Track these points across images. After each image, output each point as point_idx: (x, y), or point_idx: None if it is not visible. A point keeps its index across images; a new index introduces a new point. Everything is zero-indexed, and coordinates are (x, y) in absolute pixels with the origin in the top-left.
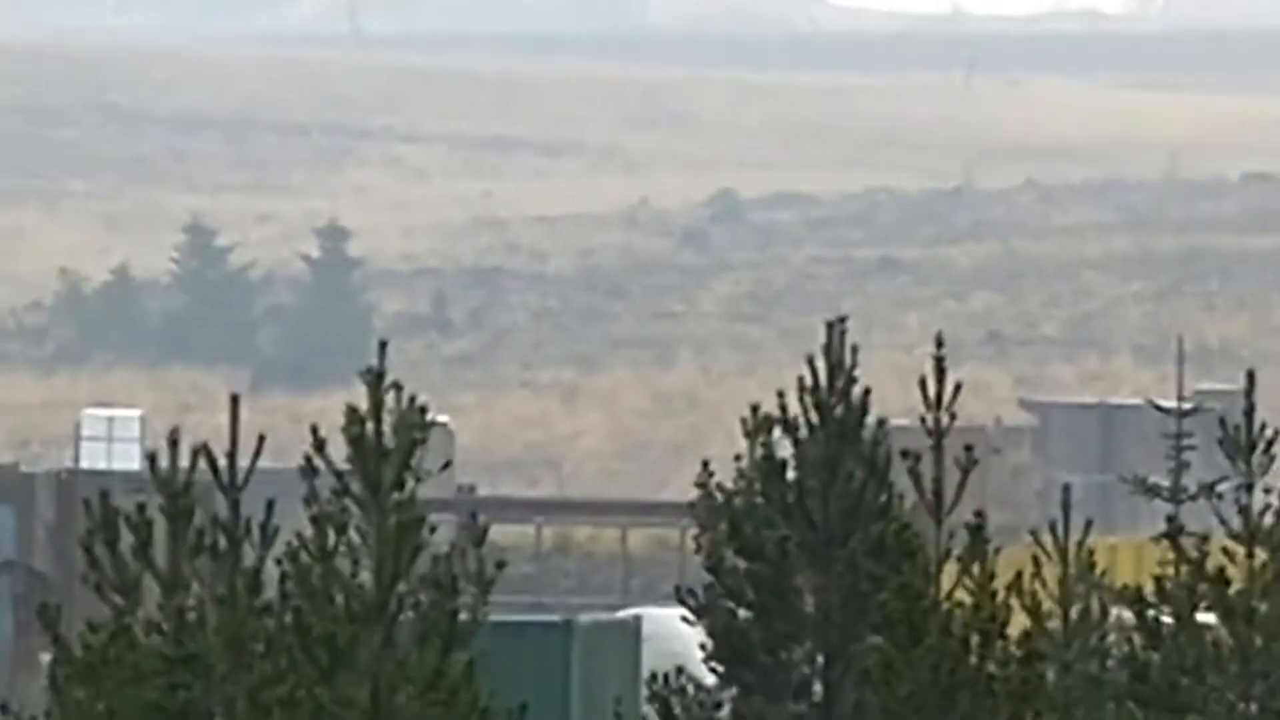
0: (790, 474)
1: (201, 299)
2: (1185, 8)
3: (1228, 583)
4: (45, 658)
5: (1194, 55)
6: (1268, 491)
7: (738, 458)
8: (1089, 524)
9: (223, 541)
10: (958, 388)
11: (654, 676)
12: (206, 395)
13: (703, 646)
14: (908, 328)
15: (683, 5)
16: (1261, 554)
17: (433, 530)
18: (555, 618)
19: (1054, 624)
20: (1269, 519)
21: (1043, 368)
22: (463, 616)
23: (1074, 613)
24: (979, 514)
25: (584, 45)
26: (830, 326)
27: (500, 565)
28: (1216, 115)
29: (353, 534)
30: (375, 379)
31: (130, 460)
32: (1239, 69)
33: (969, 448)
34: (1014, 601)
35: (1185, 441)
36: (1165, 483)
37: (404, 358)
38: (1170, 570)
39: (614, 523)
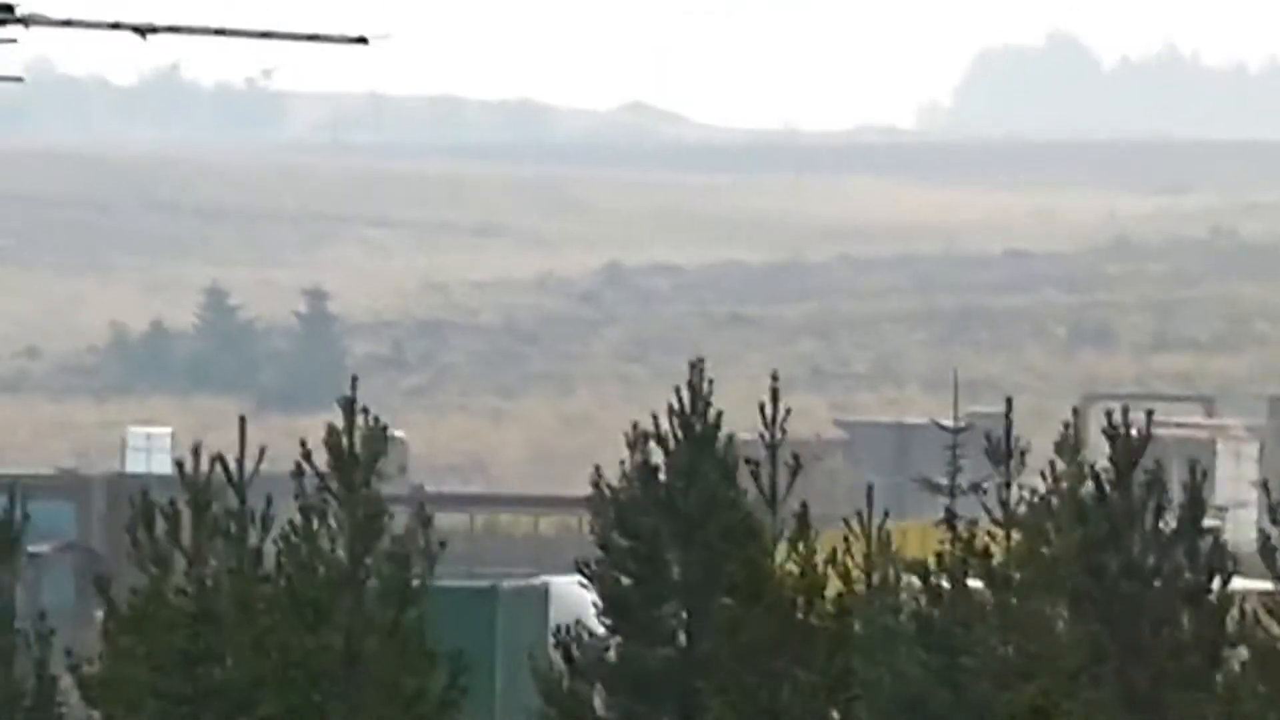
0: (661, 476)
1: (217, 345)
2: (963, 124)
3: (990, 557)
4: (99, 615)
5: (969, 160)
6: (1020, 488)
7: (622, 463)
8: (886, 513)
9: (233, 527)
10: (788, 411)
11: (559, 629)
12: (221, 417)
13: (595, 605)
14: (751, 366)
15: (584, 120)
16: (1016, 535)
17: (391, 518)
18: (484, 584)
19: (860, 588)
20: (1021, 509)
21: (852, 396)
22: (414, 583)
23: (875, 579)
24: (803, 506)
25: (509, 152)
26: (692, 366)
27: (442, 544)
28: (985, 206)
29: (331, 521)
30: (349, 405)
31: (164, 466)
32: (1003, 171)
33: (796, 456)
34: (830, 571)
35: (959, 451)
36: (944, 482)
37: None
38: (947, 548)
39: (529, 512)
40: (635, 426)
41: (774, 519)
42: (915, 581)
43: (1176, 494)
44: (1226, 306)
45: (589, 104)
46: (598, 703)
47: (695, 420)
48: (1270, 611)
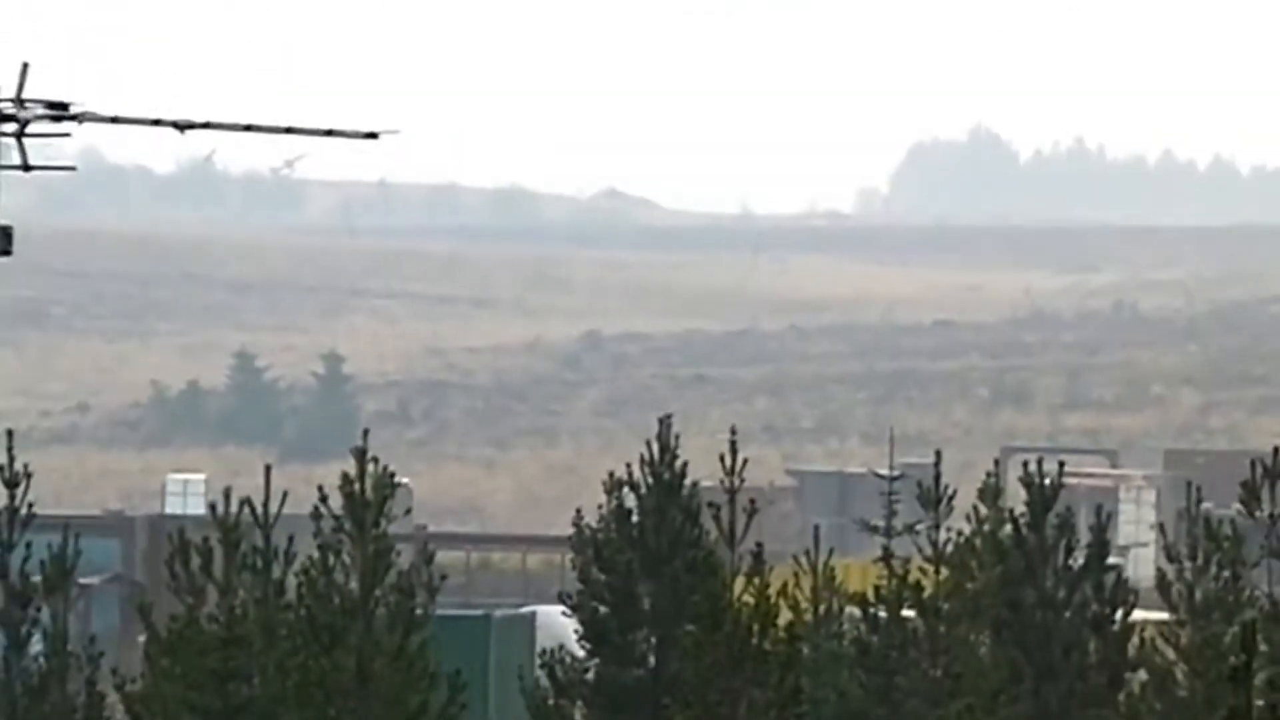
0: (634, 518)
1: (246, 402)
2: (898, 209)
3: (922, 590)
4: (141, 639)
5: (903, 241)
6: (948, 530)
7: (600, 507)
8: (831, 552)
9: (259, 562)
10: (744, 462)
11: (545, 652)
12: (249, 466)
13: (576, 632)
14: (712, 422)
15: (566, 206)
16: (944, 571)
17: (398, 554)
18: (479, 613)
19: (808, 617)
20: (949, 548)
21: (801, 448)
22: (418, 612)
23: (821, 610)
24: (758, 545)
25: (500, 233)
26: (661, 422)
27: (443, 578)
28: (917, 282)
29: (345, 557)
30: (360, 455)
31: (199, 508)
32: (932, 251)
33: (752, 501)
34: (782, 602)
35: (895, 497)
36: (882, 524)
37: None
38: (884, 582)
39: (518, 550)
40: (611, 475)
41: (732, 556)
42: (856, 612)
43: (1084, 536)
44: (1128, 371)
45: (570, 191)
46: (578, 718)
47: (664, 469)
48: (1166, 639)
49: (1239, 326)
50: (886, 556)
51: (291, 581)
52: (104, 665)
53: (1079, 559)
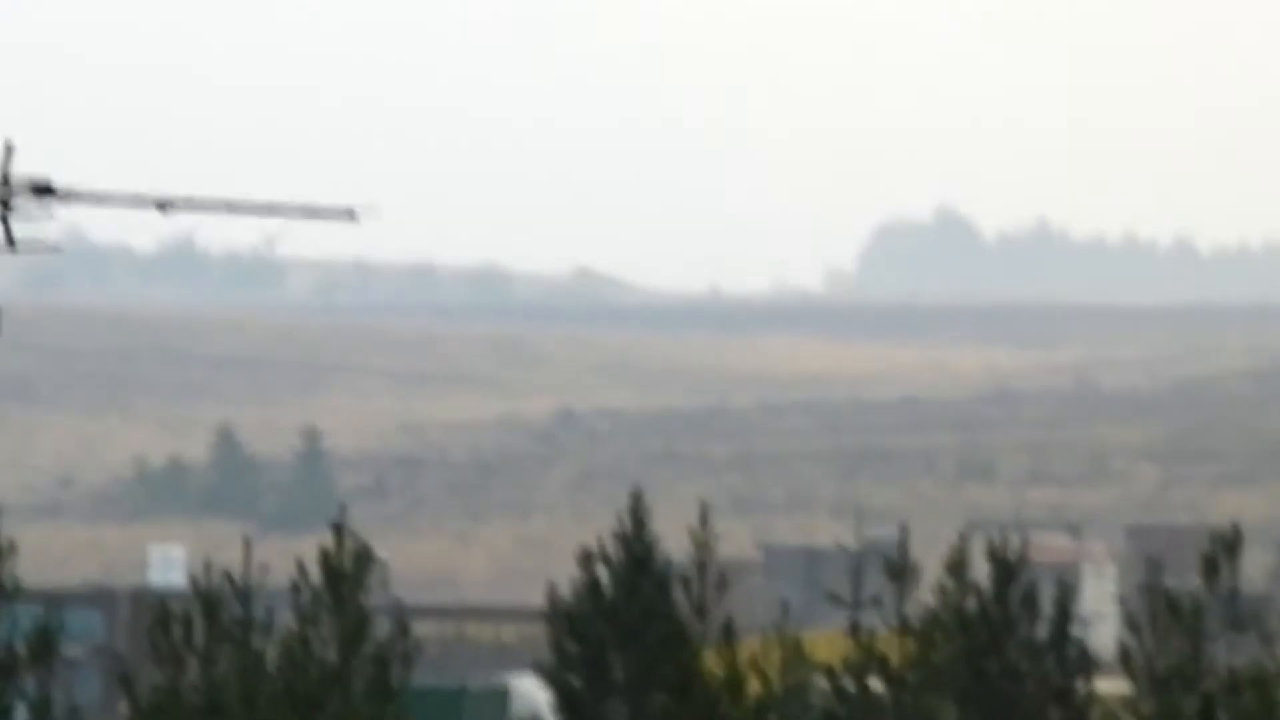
0: (606, 591)
1: (226, 476)
2: (865, 289)
3: (888, 661)
4: (124, 709)
5: (870, 320)
6: (915, 602)
7: (573, 580)
8: (799, 623)
9: (239, 633)
10: (715, 535)
11: None
12: (229, 539)
13: (550, 702)
14: (682, 497)
15: (540, 285)
16: (911, 642)
17: (374, 626)
18: (454, 686)
19: (777, 688)
20: (915, 620)
21: (769, 522)
22: (394, 682)
23: (790, 680)
24: (728, 617)
25: (474, 312)
26: (633, 496)
27: (418, 649)
28: (884, 360)
29: (323, 628)
30: (338, 529)
31: (180, 581)
32: (899, 330)
33: (721, 574)
34: (751, 672)
35: (861, 570)
36: (849, 597)
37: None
38: (851, 653)
39: (493, 621)
40: (584, 549)
41: (703, 627)
42: (824, 682)
43: (1047, 608)
44: (1090, 447)
45: (544, 270)
46: None
47: (635, 543)
48: (1127, 707)
49: (1199, 403)
50: (854, 628)
51: (271, 652)
52: None
53: (1042, 631)
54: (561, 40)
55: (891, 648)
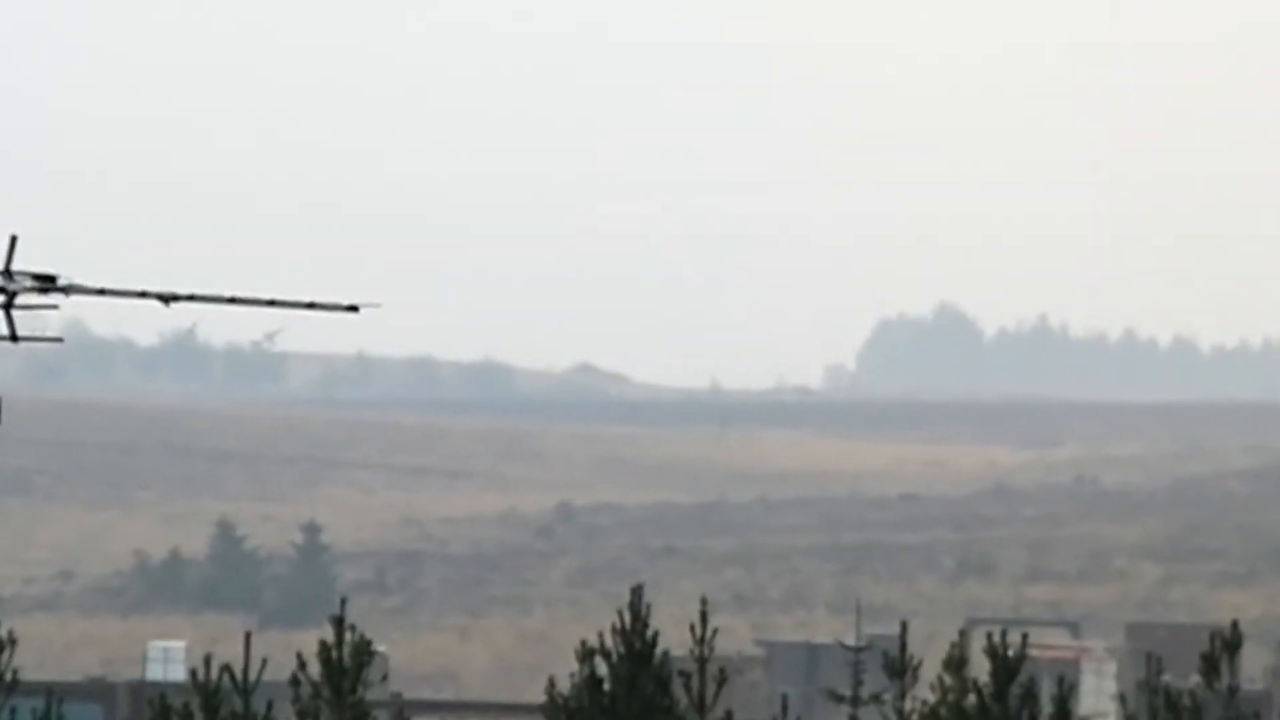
0: (606, 686)
1: (226, 570)
2: (864, 385)
3: None
4: None
5: (869, 417)
6: (914, 700)
7: (572, 675)
8: (798, 719)
9: None
10: (714, 631)
11: None
12: (229, 632)
13: None
14: (683, 592)
15: (540, 380)
16: None
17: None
18: None
19: None
20: (915, 718)
21: (769, 618)
22: None
23: None
24: (728, 713)
25: (475, 407)
26: (633, 591)
27: None
28: (883, 456)
29: None
30: (338, 623)
31: (180, 675)
32: (898, 426)
33: (721, 670)
34: None
35: (861, 666)
36: (849, 693)
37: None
38: None
39: (492, 716)
40: (584, 643)
41: None
42: None
43: (1047, 706)
44: (1090, 544)
45: (544, 365)
46: None
47: (635, 638)
48: None
49: (1198, 501)
50: None
51: None
52: None
53: None
54: (565, 138)
55: None
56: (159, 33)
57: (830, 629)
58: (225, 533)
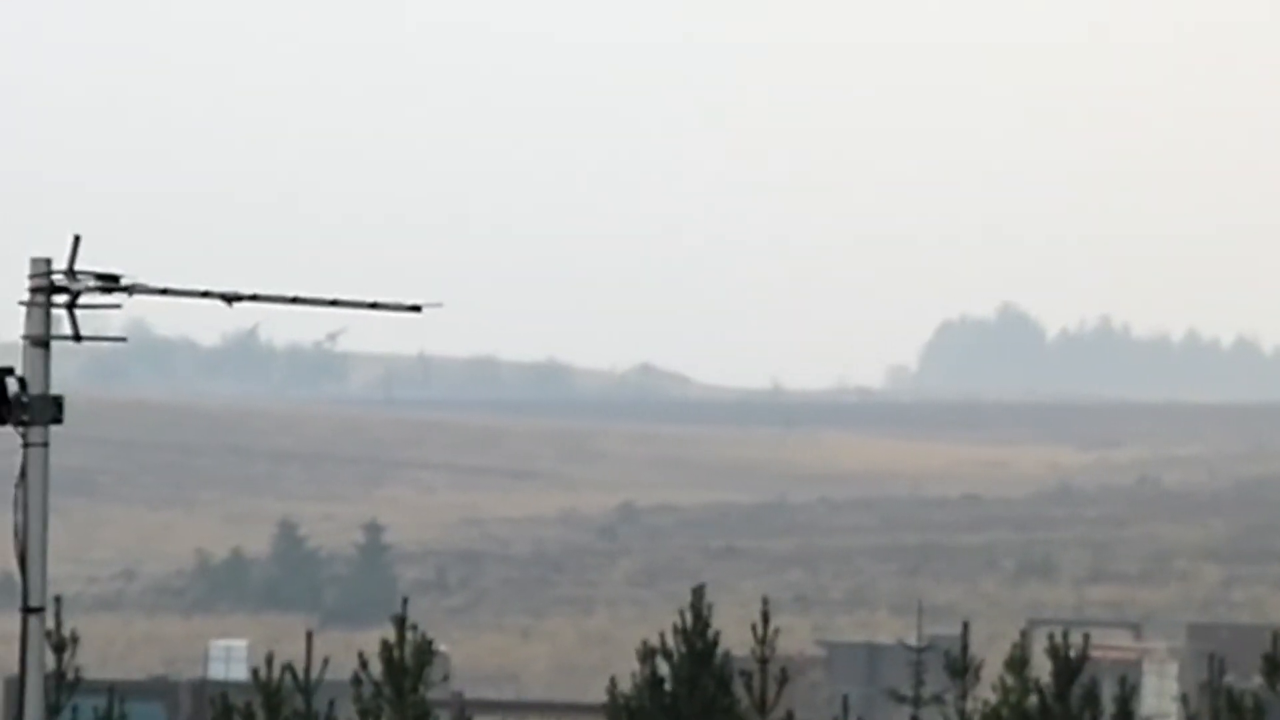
0: (667, 686)
1: (288, 570)
2: (926, 386)
3: None
4: None
5: (931, 417)
6: (975, 700)
7: (634, 675)
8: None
9: None
10: (775, 631)
11: None
12: (290, 632)
13: None
14: (744, 592)
15: (601, 380)
16: None
17: (435, 719)
18: None
19: None
20: (976, 718)
21: (831, 619)
22: None
23: None
24: (789, 714)
25: (536, 407)
26: (694, 592)
27: None
28: (945, 457)
29: None
30: (400, 622)
31: (241, 674)
32: (960, 427)
33: (782, 670)
34: None
35: (922, 667)
36: (910, 694)
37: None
38: None
39: (553, 716)
40: (645, 643)
41: None
42: None
43: (1108, 707)
44: (1152, 545)
45: (606, 366)
46: None
47: (696, 638)
48: None
49: (1261, 502)
50: None
51: None
52: None
53: None
54: (628, 139)
55: None
56: (223, 39)
57: (891, 629)
58: (287, 532)
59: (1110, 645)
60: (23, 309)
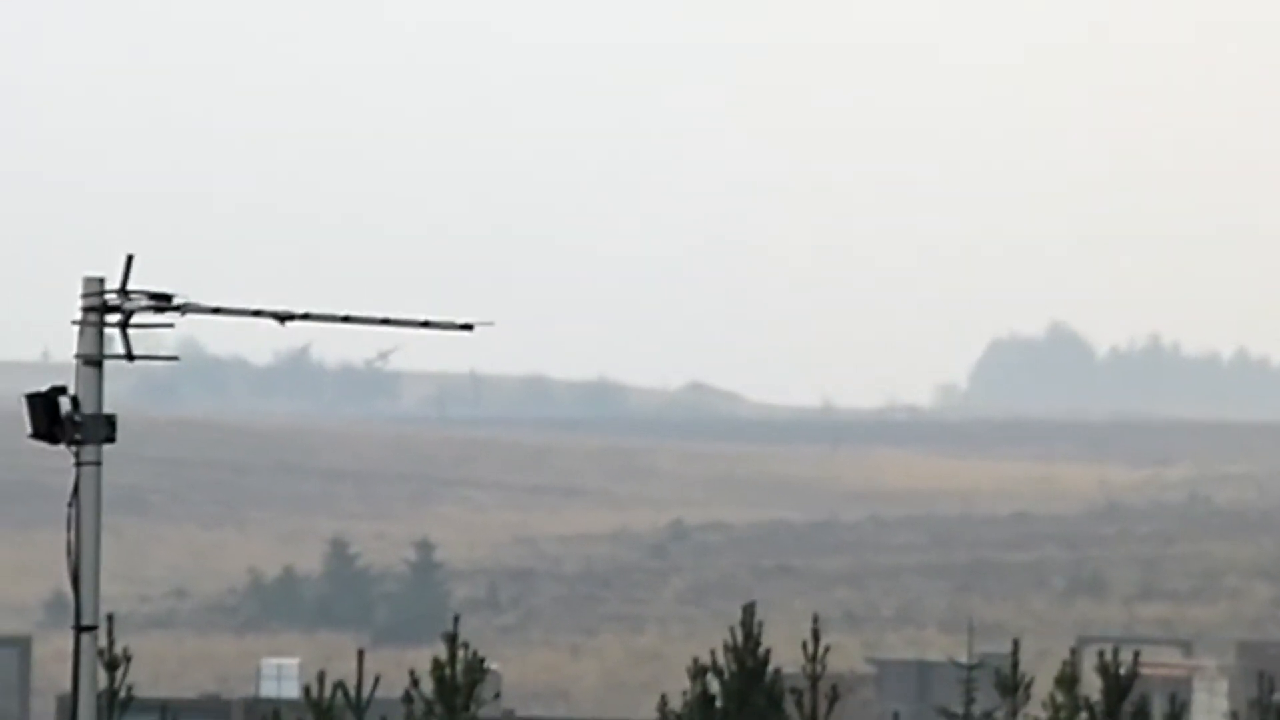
0: (718, 703)
1: (339, 588)
2: (976, 404)
3: None
4: None
5: (981, 436)
6: (1025, 718)
7: (684, 693)
8: None
9: None
10: (826, 649)
11: None
12: (342, 650)
13: None
14: (794, 610)
15: (653, 398)
16: None
17: None
18: None
19: None
20: None
21: (881, 636)
22: None
23: None
24: None
25: (587, 426)
26: (745, 609)
27: None
28: (995, 475)
29: None
30: (451, 640)
31: (293, 692)
32: (1010, 445)
33: (833, 688)
34: None
35: (973, 685)
36: (960, 712)
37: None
38: None
39: None
40: (695, 661)
41: None
42: None
43: None
44: (1202, 563)
45: (657, 384)
46: None
47: (747, 656)
48: None
49: None
50: None
51: None
52: None
53: None
54: (681, 157)
55: None
56: (275, 58)
57: (941, 647)
58: (338, 551)
59: (1160, 663)
60: (75, 328)
